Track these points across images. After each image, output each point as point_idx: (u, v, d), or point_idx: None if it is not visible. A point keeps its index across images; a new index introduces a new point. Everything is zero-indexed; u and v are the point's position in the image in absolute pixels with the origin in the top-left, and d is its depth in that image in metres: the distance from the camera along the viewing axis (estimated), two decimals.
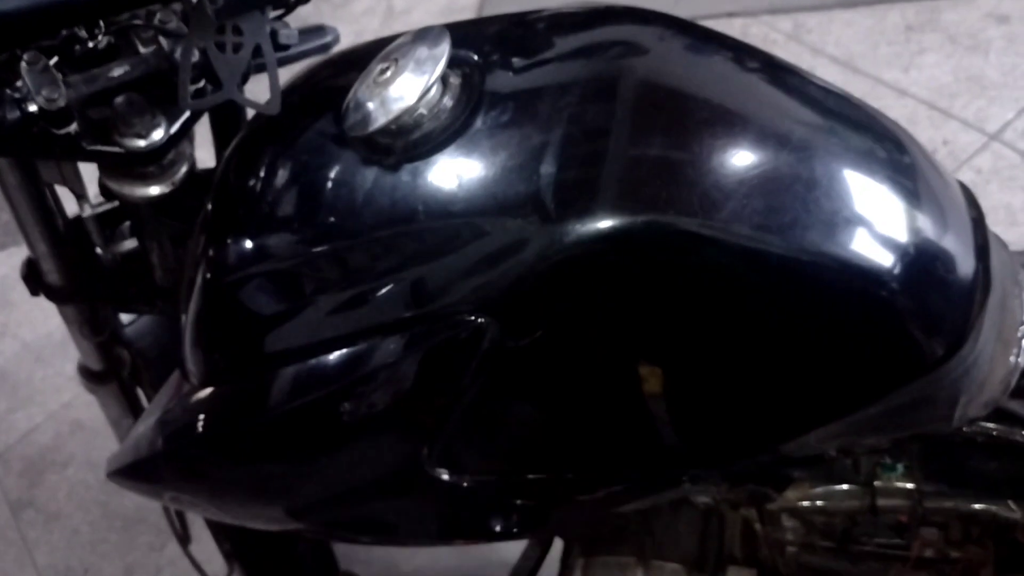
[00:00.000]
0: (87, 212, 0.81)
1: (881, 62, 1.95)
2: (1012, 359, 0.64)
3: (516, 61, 0.62)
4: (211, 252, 0.64)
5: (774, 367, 0.59)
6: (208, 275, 0.64)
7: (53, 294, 0.87)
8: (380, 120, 0.57)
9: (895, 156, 0.61)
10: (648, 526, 0.83)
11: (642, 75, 0.60)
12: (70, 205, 0.83)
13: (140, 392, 1.09)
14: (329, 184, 0.60)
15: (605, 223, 0.53)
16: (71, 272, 0.86)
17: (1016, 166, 1.73)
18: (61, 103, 0.63)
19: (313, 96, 0.68)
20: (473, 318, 0.56)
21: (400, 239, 0.57)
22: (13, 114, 0.63)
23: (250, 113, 0.71)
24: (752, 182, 0.55)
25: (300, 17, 0.80)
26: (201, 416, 0.66)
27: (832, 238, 0.55)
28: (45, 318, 2.05)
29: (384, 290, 0.58)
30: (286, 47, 0.67)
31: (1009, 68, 1.87)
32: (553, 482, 0.66)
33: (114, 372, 1.02)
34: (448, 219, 0.56)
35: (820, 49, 2.02)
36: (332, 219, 0.60)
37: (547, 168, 0.55)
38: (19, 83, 0.64)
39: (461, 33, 0.63)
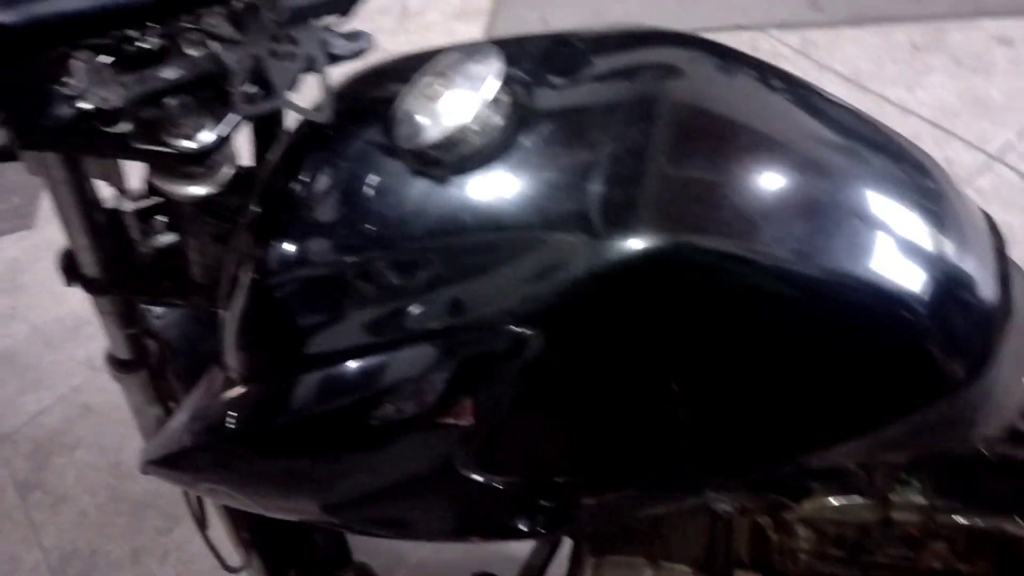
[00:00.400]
0: (127, 207, 0.83)
1: (887, 80, 1.98)
2: None
3: (561, 80, 0.64)
4: (257, 253, 0.67)
5: (801, 383, 0.61)
6: (254, 275, 0.66)
7: (89, 286, 0.89)
8: (433, 134, 0.59)
9: (923, 184, 0.63)
10: (658, 527, 0.85)
11: (684, 98, 0.63)
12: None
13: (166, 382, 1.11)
14: (377, 193, 0.62)
15: (647, 242, 0.55)
16: (108, 265, 0.88)
17: (1017, 187, 1.76)
18: (117, 103, 0.65)
19: (359, 105, 0.70)
20: (515, 329, 0.58)
21: (447, 250, 0.60)
22: (66, 111, 0.65)
23: (289, 118, 0.73)
24: (787, 206, 0.58)
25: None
26: (240, 412, 0.69)
27: (861, 261, 0.58)
28: (55, 302, 2.06)
29: (429, 298, 0.60)
30: (337, 56, 0.69)
31: (1012, 90, 1.90)
32: (580, 485, 0.69)
33: (141, 362, 1.04)
34: (495, 232, 0.59)
35: (827, 65, 2.04)
36: (379, 227, 0.62)
37: (593, 186, 0.58)
38: (71, 80, 0.66)
39: (507, 50, 0.66)
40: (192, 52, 0.72)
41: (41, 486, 1.80)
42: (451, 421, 0.65)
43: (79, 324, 2.03)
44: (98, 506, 1.74)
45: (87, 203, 0.82)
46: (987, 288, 0.62)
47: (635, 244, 0.55)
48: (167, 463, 0.76)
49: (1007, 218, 1.72)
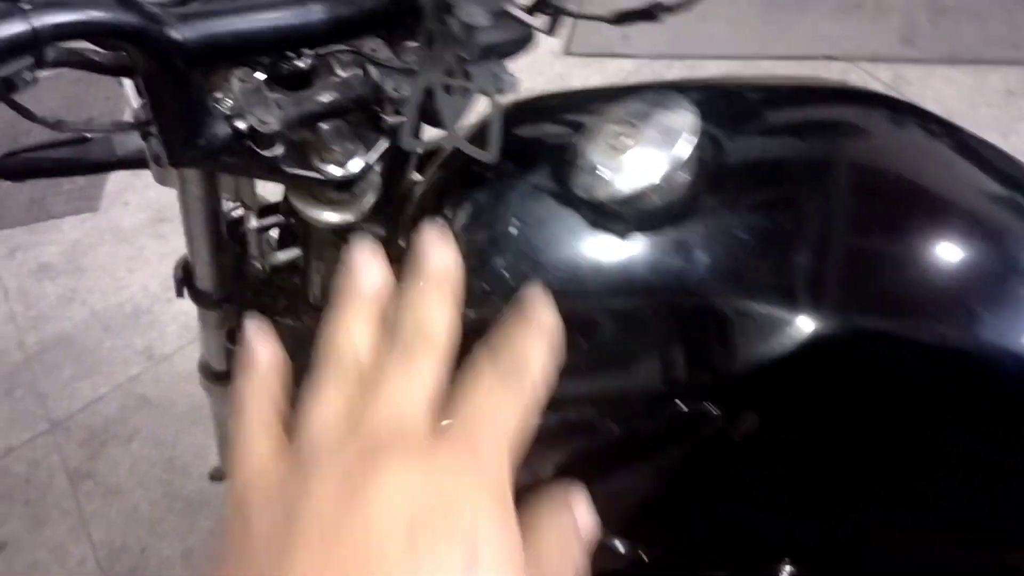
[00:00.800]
0: (253, 224, 0.80)
1: (981, 124, 1.92)
2: None
3: (748, 136, 0.61)
4: None
5: (987, 476, 0.57)
6: None
7: (201, 299, 0.87)
8: (620, 189, 0.56)
9: None
10: None
11: (879, 163, 0.59)
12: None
13: None
14: (549, 242, 0.59)
15: (853, 322, 0.52)
16: (223, 280, 0.85)
17: None
18: (274, 126, 0.62)
19: (521, 142, 0.66)
20: (693, 404, 0.55)
21: (627, 311, 0.56)
22: (222, 130, 0.62)
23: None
24: (991, 290, 0.54)
25: None
26: None
27: None
28: (116, 288, 2.05)
29: (604, 362, 0.57)
30: (507, 91, 0.66)
31: None
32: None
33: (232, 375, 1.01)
34: (677, 295, 0.55)
35: (919, 103, 1.99)
36: (551, 279, 0.58)
37: (793, 256, 0.54)
38: (226, 98, 0.63)
39: (692, 98, 0.62)
40: (344, 73, 0.69)
41: (93, 476, 1.78)
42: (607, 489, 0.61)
43: (139, 312, 2.02)
44: (151, 502, 1.72)
45: (216, 219, 0.79)
46: None
47: (846, 322, 0.52)
48: None
49: None
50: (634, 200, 0.57)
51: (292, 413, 0.68)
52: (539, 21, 0.57)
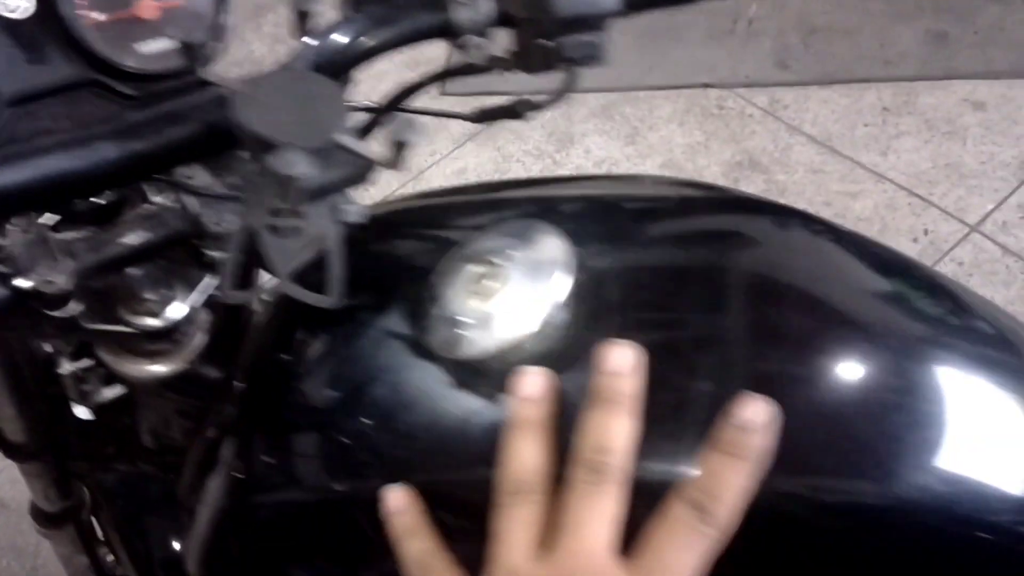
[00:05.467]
0: (66, 369, 0.68)
1: (859, 144, 1.91)
2: None
3: (628, 257, 0.52)
4: (237, 462, 0.53)
5: None
6: (230, 487, 0.53)
7: (14, 453, 0.74)
8: (486, 345, 0.47)
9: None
10: None
11: (789, 292, 0.51)
12: None
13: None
14: (398, 404, 0.50)
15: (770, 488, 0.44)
16: (39, 428, 0.73)
17: (996, 260, 1.71)
18: (63, 285, 0.51)
19: (369, 273, 0.57)
20: None
21: (484, 486, 0.47)
22: (1, 293, 0.51)
23: None
24: (933, 435, 0.47)
25: None
26: None
27: (975, 482, 0.47)
28: None
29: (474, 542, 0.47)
30: (350, 225, 0.56)
31: (987, 156, 1.86)
32: None
33: (70, 514, 0.88)
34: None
35: (796, 127, 1.98)
36: (408, 452, 0.49)
37: (665, 408, 0.46)
38: (6, 252, 0.52)
39: (557, 214, 0.54)
40: (159, 200, 0.58)
41: None
42: None
43: None
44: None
45: (16, 370, 0.67)
46: None
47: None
48: None
49: (988, 292, 1.67)
50: (505, 355, 0.48)
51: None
52: (379, 150, 0.47)
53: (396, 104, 0.63)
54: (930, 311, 0.55)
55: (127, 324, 0.56)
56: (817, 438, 0.46)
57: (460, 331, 0.48)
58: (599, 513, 0.41)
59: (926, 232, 1.76)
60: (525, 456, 0.44)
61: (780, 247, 0.55)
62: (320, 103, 0.47)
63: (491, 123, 0.65)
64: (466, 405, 0.48)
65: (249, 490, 0.54)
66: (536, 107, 0.63)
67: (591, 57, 0.56)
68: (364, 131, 0.66)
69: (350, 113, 0.49)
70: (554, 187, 0.63)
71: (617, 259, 0.52)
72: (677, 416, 0.45)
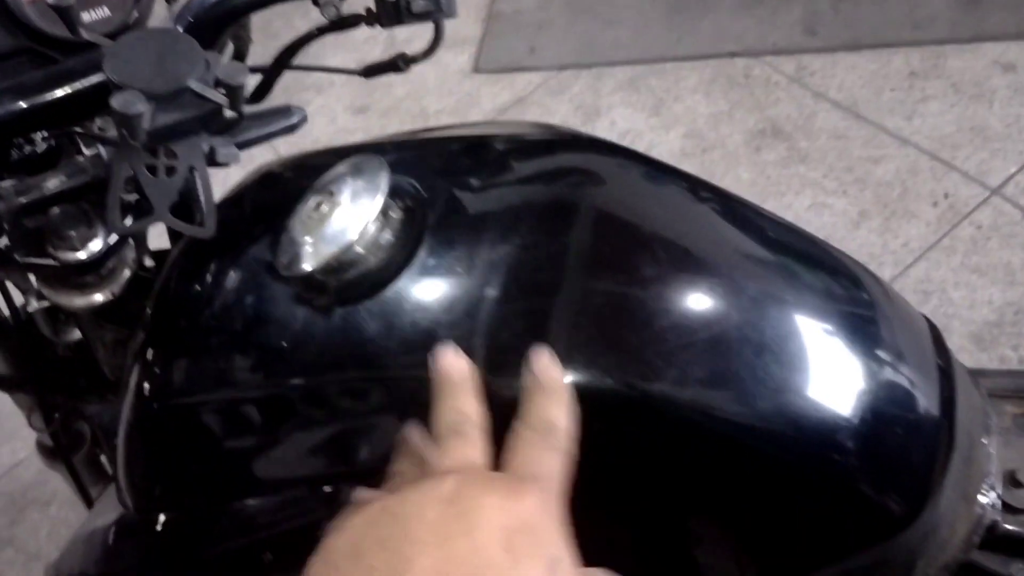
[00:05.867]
0: (32, 306, 0.79)
1: (884, 109, 1.90)
2: (977, 513, 0.60)
3: (461, 192, 0.59)
4: (140, 373, 0.62)
5: (724, 529, 0.55)
6: (136, 397, 0.62)
7: (1, 383, 0.85)
8: (312, 262, 0.54)
9: (858, 305, 0.57)
10: None
11: (591, 216, 0.57)
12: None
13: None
14: (258, 320, 0.57)
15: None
16: (19, 362, 0.83)
17: (1017, 223, 1.69)
18: None
19: (253, 214, 0.65)
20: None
21: (327, 390, 0.54)
22: None
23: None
24: (700, 344, 0.52)
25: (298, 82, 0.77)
26: (129, 542, 0.64)
27: (783, 402, 0.52)
28: None
29: (311, 443, 0.55)
30: (220, 164, 0.64)
31: (1013, 119, 1.82)
32: None
33: (71, 451, 0.99)
34: (376, 371, 0.53)
35: (823, 93, 1.98)
36: (259, 358, 0.57)
37: (484, 321, 0.52)
38: None
39: (401, 156, 0.60)
40: (84, 154, 0.67)
41: (13, 542, 1.76)
42: None
43: None
44: None
45: None
46: (927, 420, 0.56)
47: (518, 386, 0.50)
48: None
49: (1006, 256, 1.65)
50: (334, 269, 0.55)
51: None
52: (220, 96, 0.55)
53: (283, 63, 0.71)
54: (758, 240, 0.60)
55: (54, 258, 0.65)
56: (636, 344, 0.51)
57: (298, 250, 0.55)
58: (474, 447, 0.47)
59: (946, 196, 1.75)
60: (452, 403, 0.48)
61: (607, 179, 0.60)
62: (178, 56, 0.55)
63: (374, 76, 0.72)
64: (301, 316, 0.56)
65: (148, 403, 0.62)
66: (413, 60, 0.70)
67: (437, 11, 0.63)
68: (260, 89, 0.74)
69: (206, 64, 0.56)
70: (423, 135, 0.69)
71: (439, 185, 0.59)
72: (459, 325, 0.52)
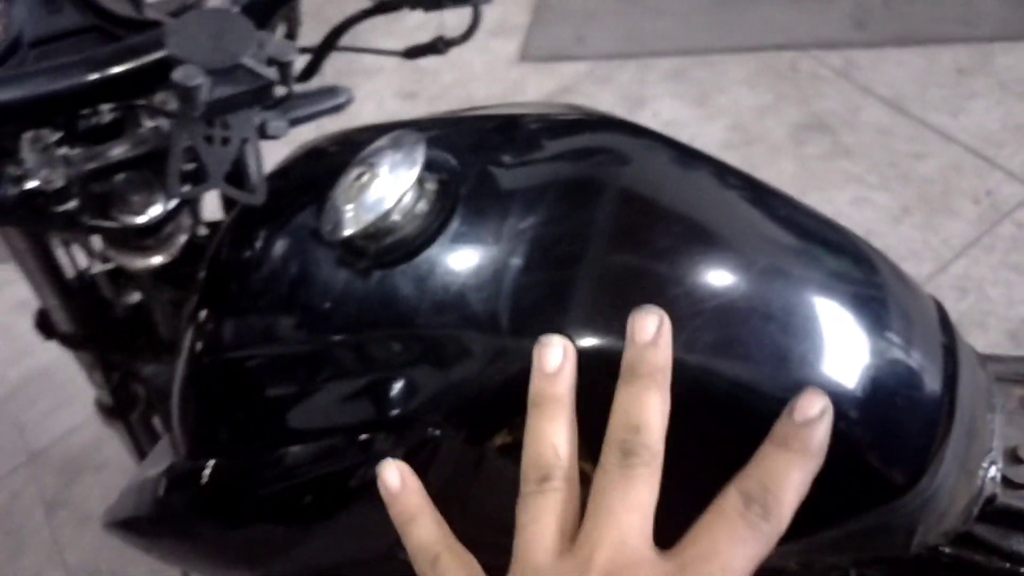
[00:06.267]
0: (96, 269, 0.84)
1: (929, 105, 1.90)
2: (977, 485, 0.63)
3: (494, 167, 0.63)
4: (194, 329, 0.67)
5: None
6: (189, 352, 0.66)
7: (65, 341, 0.91)
8: (352, 227, 0.58)
9: (864, 281, 0.60)
10: None
11: (614, 193, 0.60)
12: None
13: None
14: (303, 282, 0.62)
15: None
16: (82, 321, 0.89)
17: None
18: (59, 184, 0.66)
19: (300, 185, 0.69)
20: (431, 429, 0.57)
21: (364, 346, 0.59)
22: (12, 191, 0.66)
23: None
24: (709, 312, 0.55)
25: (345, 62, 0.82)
26: (178, 487, 0.69)
27: (787, 369, 0.55)
28: None
29: (348, 394, 0.59)
30: (272, 137, 0.68)
31: None
32: None
33: (127, 410, 1.05)
34: (409, 329, 0.57)
35: (869, 88, 1.98)
36: (302, 317, 0.61)
37: (509, 285, 0.56)
38: (20, 158, 0.67)
39: (440, 132, 0.64)
40: (147, 126, 0.72)
41: (68, 504, 1.84)
42: (377, 513, 0.64)
43: None
44: None
45: (52, 267, 0.83)
46: (928, 392, 0.58)
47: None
48: (121, 527, 0.76)
49: None
50: (372, 236, 0.59)
51: None
52: (271, 72, 0.59)
53: (330, 43, 0.75)
54: (780, 223, 0.63)
55: (117, 221, 0.70)
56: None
57: (340, 217, 0.60)
58: (633, 498, 0.39)
59: (988, 193, 1.75)
60: (550, 437, 0.42)
61: (631, 158, 0.64)
62: (233, 35, 0.60)
63: (415, 58, 0.77)
64: (342, 278, 0.60)
65: (200, 358, 0.67)
66: (452, 43, 0.75)
67: None
68: (309, 69, 0.79)
69: (259, 43, 0.61)
70: (460, 114, 0.73)
71: (473, 160, 0.63)
72: (483, 291, 0.56)
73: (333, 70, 0.84)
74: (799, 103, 2.01)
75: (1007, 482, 0.67)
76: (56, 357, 2.09)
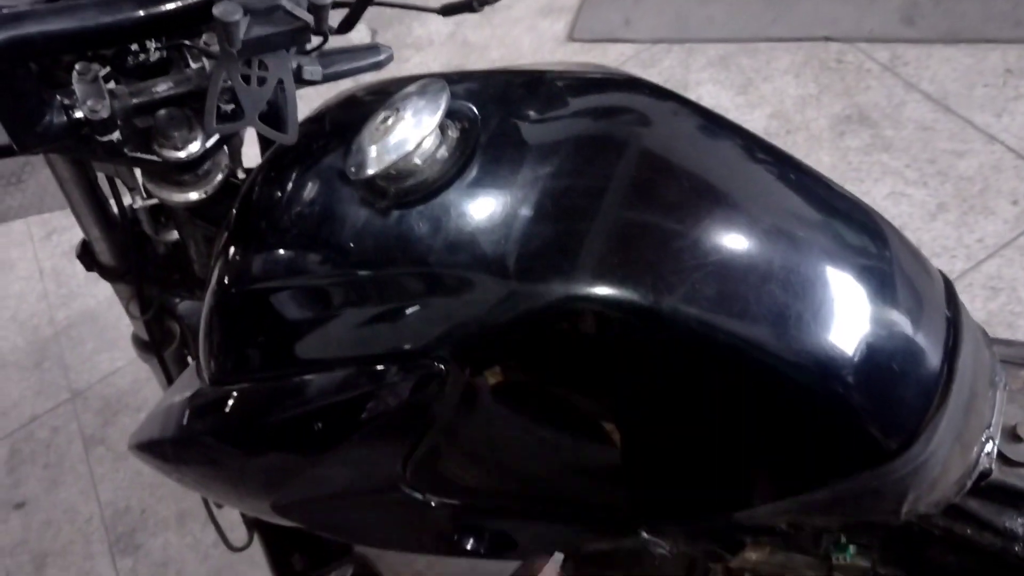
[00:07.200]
0: (137, 204, 0.88)
1: (975, 104, 1.89)
2: (973, 459, 0.64)
3: (514, 119, 0.65)
4: (223, 262, 0.70)
5: (722, 442, 0.61)
6: (218, 283, 0.70)
7: (105, 272, 0.95)
8: (375, 167, 0.61)
9: (870, 248, 0.62)
10: (639, 556, 0.86)
11: (627, 148, 0.62)
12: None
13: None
14: (327, 218, 0.65)
15: (558, 290, 0.56)
16: (122, 254, 0.93)
17: None
18: (104, 114, 0.69)
19: (332, 129, 0.72)
20: (437, 363, 0.60)
21: (380, 281, 0.62)
22: (60, 119, 0.69)
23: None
24: (711, 266, 0.57)
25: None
26: (198, 412, 0.72)
27: (786, 328, 0.57)
28: None
29: (362, 326, 0.62)
30: (308, 81, 0.71)
31: None
32: (514, 514, 0.70)
33: (161, 345, 1.09)
34: (423, 267, 0.60)
35: (914, 84, 1.97)
36: (324, 251, 0.64)
37: (519, 231, 0.59)
38: (71, 88, 0.70)
39: (466, 85, 0.67)
40: (191, 66, 0.76)
41: (105, 442, 1.91)
42: (387, 443, 0.67)
43: None
44: None
45: (95, 198, 0.87)
46: (927, 361, 0.60)
47: (546, 291, 0.56)
48: (145, 449, 0.80)
49: None
50: (393, 177, 0.62)
51: None
52: (308, 15, 0.62)
53: None
54: (798, 191, 0.65)
55: (158, 155, 0.74)
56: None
57: (364, 158, 0.63)
58: None
59: None
60: None
61: (650, 117, 0.66)
62: None
63: (451, 15, 0.79)
64: (364, 216, 0.63)
65: (228, 288, 0.70)
66: (486, 2, 0.77)
67: None
68: (347, 21, 0.81)
69: None
70: (490, 70, 0.76)
71: (496, 112, 0.65)
72: (495, 235, 0.58)
73: (384, 41, 0.86)
74: (843, 95, 2.00)
75: (1003, 459, 0.68)
76: (103, 301, 2.17)
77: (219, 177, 0.78)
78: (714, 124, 0.66)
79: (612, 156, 0.61)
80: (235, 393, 0.70)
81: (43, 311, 2.22)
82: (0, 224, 2.48)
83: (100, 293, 2.18)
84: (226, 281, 0.69)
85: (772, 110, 2.01)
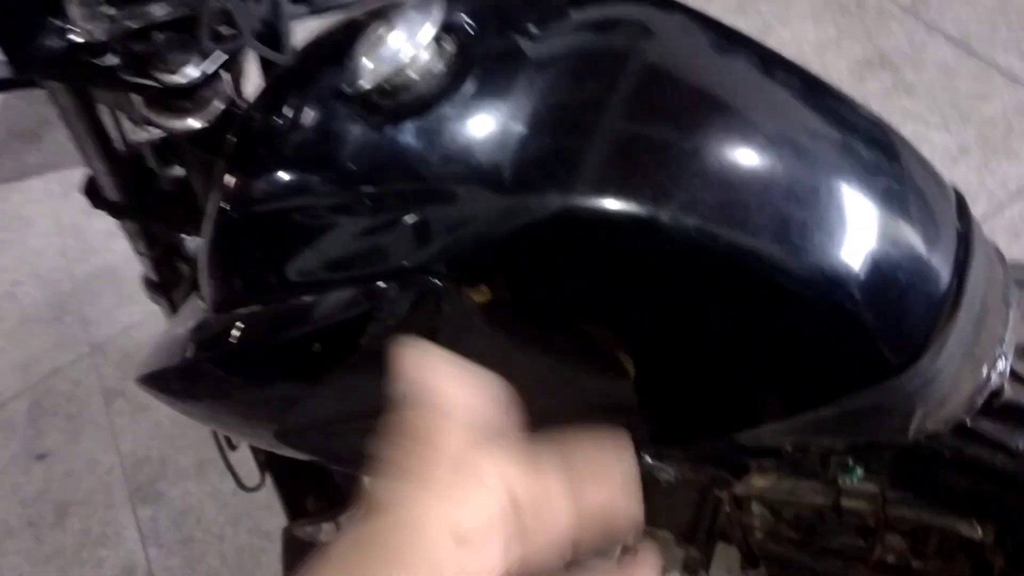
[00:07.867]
0: (143, 137, 0.87)
1: (998, 46, 1.84)
2: (983, 376, 0.63)
3: (513, 32, 0.64)
4: (222, 188, 0.69)
5: (725, 359, 0.60)
6: (217, 207, 0.69)
7: (111, 209, 0.95)
8: (369, 79, 0.60)
9: (879, 160, 0.60)
10: (646, 492, 0.85)
11: (629, 60, 0.61)
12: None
13: None
14: (323, 138, 0.64)
15: (555, 202, 0.55)
16: (128, 190, 0.93)
17: None
18: (101, 37, 0.68)
19: (330, 52, 0.71)
20: (435, 279, 0.59)
21: (376, 196, 0.61)
22: (57, 43, 0.69)
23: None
24: (714, 175, 0.56)
25: None
26: (201, 339, 0.72)
27: (790, 238, 0.55)
28: None
29: (361, 244, 0.62)
30: (306, 1, 0.70)
31: None
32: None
33: (170, 285, 1.09)
34: (419, 181, 0.59)
35: (937, 27, 1.92)
36: (322, 171, 0.63)
37: (517, 142, 0.57)
38: (67, 13, 0.69)
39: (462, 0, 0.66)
40: None
41: (124, 394, 1.92)
42: (386, 363, 0.66)
43: None
44: (172, 417, 1.83)
45: (99, 131, 0.86)
46: (935, 274, 0.59)
47: (542, 203, 0.55)
48: (151, 381, 0.80)
49: None
50: (387, 90, 0.61)
51: None
52: None
53: None
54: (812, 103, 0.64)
55: (156, 80, 0.73)
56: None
57: (358, 70, 0.61)
58: None
59: None
60: None
61: (655, 30, 0.64)
62: None
63: None
64: (358, 131, 0.62)
65: (227, 213, 0.70)
66: None
67: None
68: None
69: None
70: None
71: (495, 26, 0.64)
72: (491, 148, 0.57)
73: None
74: (863, 39, 1.96)
75: (1016, 378, 0.66)
76: (121, 256, 2.17)
77: (219, 105, 0.77)
78: (722, 36, 0.64)
79: (614, 68, 0.60)
80: (238, 319, 0.69)
81: (63, 267, 2.23)
82: (19, 181, 2.49)
83: (118, 248, 2.17)
84: (225, 204, 0.68)
85: (791, 54, 1.96)
